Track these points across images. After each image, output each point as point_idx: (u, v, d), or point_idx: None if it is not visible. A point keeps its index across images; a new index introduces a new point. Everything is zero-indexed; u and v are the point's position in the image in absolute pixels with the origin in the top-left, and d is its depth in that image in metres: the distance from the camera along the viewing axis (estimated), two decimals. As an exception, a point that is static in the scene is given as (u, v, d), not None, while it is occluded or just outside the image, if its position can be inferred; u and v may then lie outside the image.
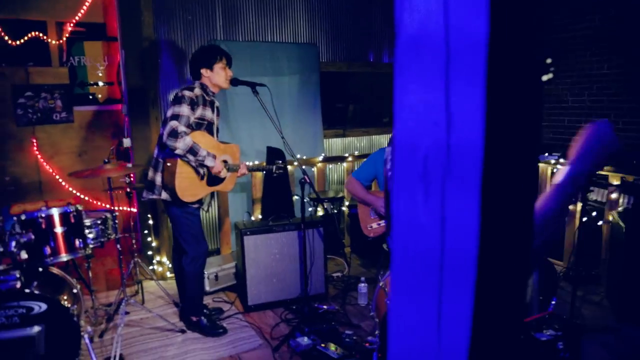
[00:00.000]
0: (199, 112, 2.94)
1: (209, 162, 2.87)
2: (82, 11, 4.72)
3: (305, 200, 3.57)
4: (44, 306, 2.55)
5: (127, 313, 3.42)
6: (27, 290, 2.51)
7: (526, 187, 0.87)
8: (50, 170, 4.75)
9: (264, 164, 4.30)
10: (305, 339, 2.94)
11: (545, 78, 1.15)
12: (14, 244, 2.57)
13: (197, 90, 2.94)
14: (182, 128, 2.77)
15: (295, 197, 4.60)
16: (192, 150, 2.79)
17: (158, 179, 2.94)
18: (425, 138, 0.87)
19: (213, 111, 3.09)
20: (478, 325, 0.90)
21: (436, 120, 0.83)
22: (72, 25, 4.72)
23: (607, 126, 1.19)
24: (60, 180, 4.77)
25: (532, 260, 1.15)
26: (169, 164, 2.86)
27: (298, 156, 4.71)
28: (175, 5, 4.49)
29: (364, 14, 5.40)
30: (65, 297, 2.80)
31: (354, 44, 5.44)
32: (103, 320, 3.28)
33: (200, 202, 3.08)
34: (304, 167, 4.76)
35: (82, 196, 4.86)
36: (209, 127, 3.05)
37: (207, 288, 3.71)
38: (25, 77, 4.60)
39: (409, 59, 0.82)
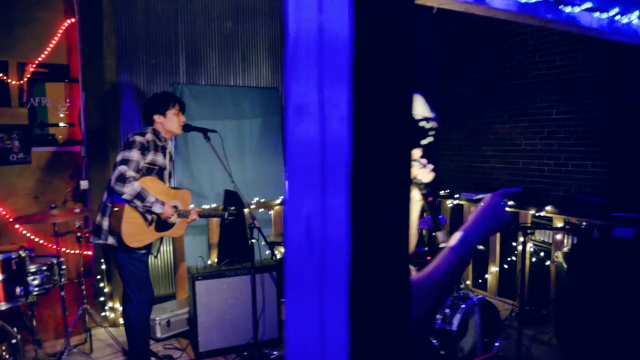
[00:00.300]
0: (150, 157, 2.97)
1: (156, 208, 2.88)
2: (45, 52, 4.76)
3: (262, 244, 3.60)
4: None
5: (72, 361, 3.33)
6: None
7: (396, 188, 0.92)
8: (4, 213, 4.66)
9: (221, 207, 4.33)
10: (253, 386, 2.91)
11: (424, 142, 1.23)
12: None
13: (149, 136, 2.99)
14: (130, 173, 2.79)
15: (253, 241, 4.60)
16: (140, 196, 2.80)
17: (105, 224, 2.94)
18: (306, 138, 0.91)
19: (165, 156, 3.13)
20: (356, 328, 0.93)
21: (313, 121, 0.87)
22: (34, 66, 4.74)
23: (501, 199, 1.28)
24: (15, 223, 4.68)
25: (413, 328, 1.18)
26: (116, 209, 2.86)
27: (256, 199, 4.75)
28: (138, 50, 4.58)
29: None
30: (3, 348, 2.73)
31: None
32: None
33: (148, 247, 3.07)
34: (261, 209, 4.81)
35: (36, 239, 4.77)
36: (159, 173, 3.08)
37: (159, 334, 3.65)
38: (-18, 117, 4.57)
39: (291, 62, 0.87)
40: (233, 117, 5.01)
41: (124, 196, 2.77)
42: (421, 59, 6.15)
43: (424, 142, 1.16)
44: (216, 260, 4.37)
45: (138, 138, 2.91)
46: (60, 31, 4.71)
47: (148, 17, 4.60)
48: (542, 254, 4.11)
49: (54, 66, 4.83)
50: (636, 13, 2.56)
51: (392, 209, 0.94)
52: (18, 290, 2.77)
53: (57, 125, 4.92)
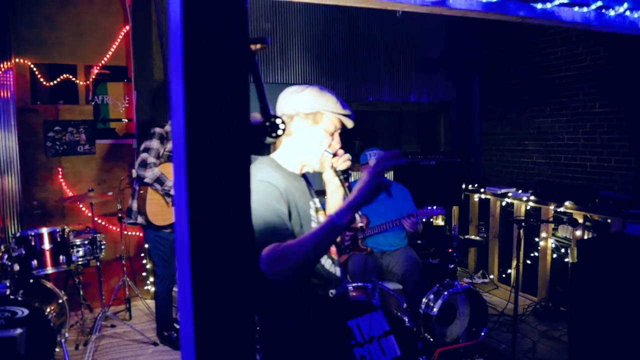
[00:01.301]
0: (170, 146, 3.37)
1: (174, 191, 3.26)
2: (107, 56, 5.37)
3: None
4: (26, 311, 2.99)
5: (113, 326, 3.83)
6: (12, 297, 2.96)
7: (229, 176, 1.14)
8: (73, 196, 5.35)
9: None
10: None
11: (274, 135, 1.44)
12: (6, 257, 3.05)
13: (168, 127, 3.38)
14: (151, 159, 3.20)
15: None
16: (159, 180, 3.20)
17: (134, 205, 3.38)
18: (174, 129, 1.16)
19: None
20: (199, 319, 1.19)
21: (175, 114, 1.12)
22: (98, 68, 5.37)
23: (375, 173, 1.47)
24: (81, 205, 5.35)
25: (281, 281, 1.41)
26: (141, 191, 3.29)
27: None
28: (183, 51, 5.04)
29: (363, 56, 5.74)
30: (52, 307, 3.25)
31: (354, 84, 5.77)
32: (88, 331, 3.71)
33: (173, 226, 3.48)
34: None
35: (99, 221, 5.42)
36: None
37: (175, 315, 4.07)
38: (55, 113, 5.27)
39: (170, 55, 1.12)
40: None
41: (145, 180, 3.18)
42: (462, 53, 6.13)
43: (273, 134, 1.36)
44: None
45: (157, 129, 3.32)
46: (120, 36, 5.28)
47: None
48: (562, 250, 4.05)
49: (114, 68, 5.43)
50: (625, 5, 2.53)
51: (226, 195, 1.18)
52: (62, 258, 3.27)
53: (117, 120, 5.53)
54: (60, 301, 3.34)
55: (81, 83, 5.37)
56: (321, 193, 1.76)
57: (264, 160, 1.71)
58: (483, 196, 4.84)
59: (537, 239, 4.26)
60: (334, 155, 1.71)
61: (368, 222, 3.66)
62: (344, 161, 1.72)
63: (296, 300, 1.64)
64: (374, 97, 5.90)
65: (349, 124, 1.78)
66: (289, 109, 1.70)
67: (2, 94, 5.06)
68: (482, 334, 3.02)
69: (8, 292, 3.00)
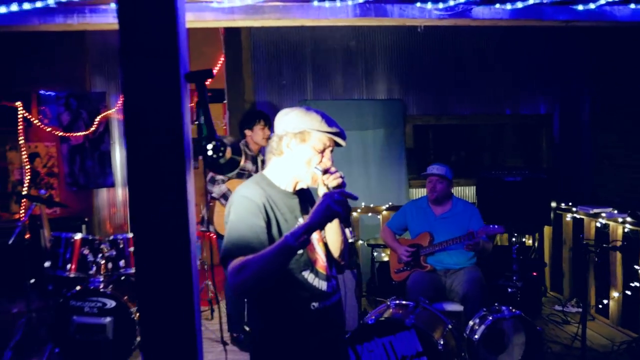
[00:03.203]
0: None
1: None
2: (209, 80, 5.94)
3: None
4: (114, 303, 3.45)
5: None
6: (102, 290, 3.44)
7: (165, 183, 1.29)
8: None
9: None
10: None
11: (209, 147, 1.51)
12: (100, 256, 3.55)
13: (240, 146, 3.66)
14: (219, 177, 3.49)
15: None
16: (225, 196, 3.48)
17: (207, 215, 3.70)
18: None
19: (254, 164, 3.76)
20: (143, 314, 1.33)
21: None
22: (202, 91, 5.97)
23: (331, 199, 1.53)
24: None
25: (239, 289, 1.54)
26: (211, 203, 3.60)
27: (363, 204, 5.10)
28: (272, 73, 5.39)
29: (451, 70, 5.58)
30: (136, 302, 3.68)
31: (442, 98, 5.64)
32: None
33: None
34: (370, 214, 5.13)
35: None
36: (249, 177, 3.73)
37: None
38: (165, 133, 5.97)
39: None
40: (357, 129, 5.44)
41: (213, 194, 3.49)
42: (566, 63, 5.65)
43: (209, 146, 1.46)
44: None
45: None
46: (220, 61, 5.80)
47: (278, 44, 5.37)
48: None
49: (215, 90, 5.97)
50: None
51: (164, 200, 1.32)
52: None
53: (217, 137, 6.07)
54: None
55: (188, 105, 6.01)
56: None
57: (256, 177, 1.83)
58: (577, 216, 4.40)
59: (636, 266, 3.77)
60: (325, 172, 1.77)
61: (431, 240, 3.57)
62: (334, 178, 1.77)
63: (277, 309, 1.72)
64: (465, 110, 5.70)
65: (341, 141, 1.82)
66: (279, 130, 1.81)
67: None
68: None
69: (101, 286, 3.49)
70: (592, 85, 5.70)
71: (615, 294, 3.97)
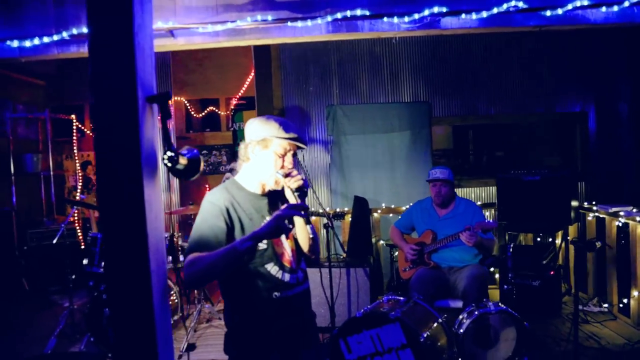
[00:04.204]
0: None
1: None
2: (243, 89, 6.29)
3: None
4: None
5: (220, 319, 4.52)
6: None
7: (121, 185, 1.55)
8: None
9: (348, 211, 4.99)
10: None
11: (165, 157, 1.73)
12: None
13: None
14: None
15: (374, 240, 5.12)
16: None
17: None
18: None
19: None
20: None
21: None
22: (236, 99, 6.32)
23: (281, 215, 1.77)
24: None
25: (189, 282, 1.78)
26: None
27: (384, 205, 5.23)
28: (299, 80, 5.64)
29: (479, 72, 5.58)
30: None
31: (469, 99, 5.65)
32: (203, 321, 4.46)
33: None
34: (391, 215, 5.25)
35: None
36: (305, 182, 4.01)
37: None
38: (202, 139, 6.37)
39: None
40: (383, 131, 5.58)
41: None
42: (600, 61, 5.49)
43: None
44: (344, 254, 5.05)
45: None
46: (253, 72, 6.13)
47: (306, 53, 5.61)
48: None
49: (248, 98, 6.32)
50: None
51: (122, 203, 1.57)
52: (169, 258, 4.04)
53: (251, 143, 6.42)
54: (172, 292, 4.12)
55: (222, 113, 6.39)
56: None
57: (227, 183, 2.07)
58: (600, 215, 4.32)
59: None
60: (287, 175, 1.98)
61: (434, 237, 3.68)
62: (295, 181, 1.98)
63: (242, 298, 1.95)
64: (492, 109, 5.68)
65: (301, 145, 2.03)
66: (246, 138, 2.04)
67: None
68: None
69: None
70: (630, 81, 5.51)
71: (635, 293, 3.88)
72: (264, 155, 2.00)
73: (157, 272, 1.66)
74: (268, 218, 2.00)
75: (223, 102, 6.39)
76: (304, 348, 2.04)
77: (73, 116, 6.02)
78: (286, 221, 1.81)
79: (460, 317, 2.97)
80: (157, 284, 1.65)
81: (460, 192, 5.75)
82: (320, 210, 4.93)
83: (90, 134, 6.13)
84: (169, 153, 1.66)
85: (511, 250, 3.14)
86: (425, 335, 2.67)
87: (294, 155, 2.07)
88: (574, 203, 4.42)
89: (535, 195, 4.41)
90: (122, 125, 1.58)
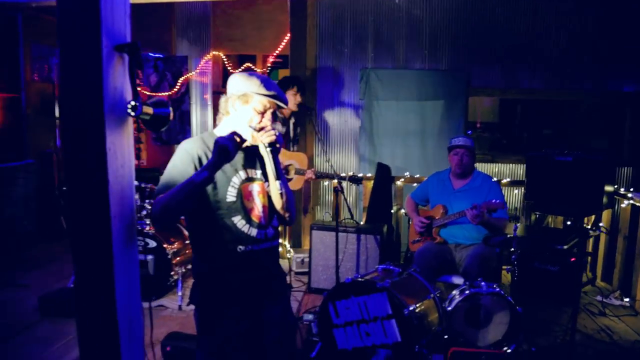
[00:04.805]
0: (278, 127, 3.90)
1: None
2: (280, 47, 6.21)
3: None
4: (154, 244, 3.97)
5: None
6: (145, 231, 3.96)
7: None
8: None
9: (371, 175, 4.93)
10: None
11: (129, 106, 1.72)
12: (147, 201, 4.07)
13: (285, 112, 3.92)
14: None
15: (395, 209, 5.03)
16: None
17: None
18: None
19: (284, 125, 3.99)
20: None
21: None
22: (273, 57, 6.26)
23: (224, 143, 1.74)
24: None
25: (158, 218, 1.84)
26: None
27: (407, 174, 5.10)
28: (335, 40, 5.51)
29: (520, 38, 5.24)
30: (173, 246, 4.14)
31: (510, 71, 5.33)
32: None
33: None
34: (415, 184, 5.12)
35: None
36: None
37: (294, 268, 4.61)
38: (237, 96, 6.41)
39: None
40: (416, 99, 5.40)
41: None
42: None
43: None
44: (363, 221, 5.01)
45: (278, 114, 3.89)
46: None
47: (343, 12, 5.45)
48: None
49: (284, 57, 6.24)
50: None
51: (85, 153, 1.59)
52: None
53: (284, 102, 6.38)
54: (187, 242, 4.25)
55: (259, 70, 6.36)
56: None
57: (204, 134, 2.07)
58: (636, 203, 4.04)
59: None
60: (260, 130, 1.96)
61: (444, 212, 3.57)
62: (268, 136, 1.96)
63: (208, 249, 1.98)
64: (536, 84, 5.34)
65: (281, 103, 2.00)
66: (227, 92, 2.03)
67: (202, 80, 6.40)
68: (507, 349, 2.69)
69: (146, 228, 4.02)
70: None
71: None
72: (243, 110, 1.99)
73: (120, 217, 1.70)
74: (241, 173, 2.00)
75: (260, 59, 6.36)
76: (269, 303, 2.06)
77: (115, 65, 6.19)
78: (231, 142, 1.82)
79: (453, 293, 2.89)
80: (119, 228, 1.69)
81: (492, 167, 5.53)
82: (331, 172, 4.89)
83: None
84: (132, 102, 1.67)
85: (516, 230, 2.99)
86: (411, 308, 2.63)
87: (273, 113, 2.04)
88: (608, 188, 4.13)
89: (566, 177, 4.15)
90: (84, 72, 1.59)
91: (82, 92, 1.61)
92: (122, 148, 1.72)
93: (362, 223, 5.02)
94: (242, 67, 6.36)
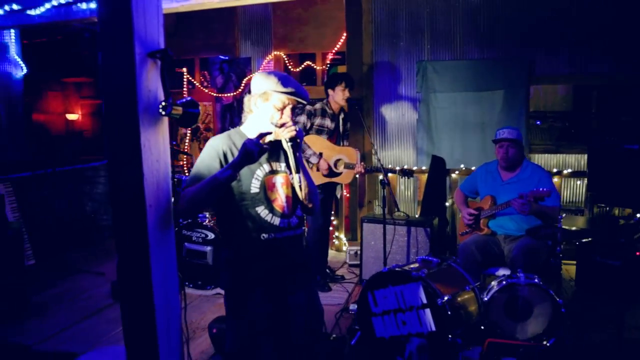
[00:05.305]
0: (318, 121, 4.02)
1: (312, 159, 3.93)
2: (339, 44, 6.32)
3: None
4: (212, 235, 4.24)
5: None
6: (204, 224, 4.24)
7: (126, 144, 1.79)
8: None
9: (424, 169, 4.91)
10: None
11: (160, 106, 1.89)
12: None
13: (318, 105, 4.03)
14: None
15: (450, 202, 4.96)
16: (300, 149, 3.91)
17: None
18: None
19: (333, 121, 4.09)
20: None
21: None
22: (332, 54, 6.39)
23: (251, 144, 1.86)
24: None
25: (181, 212, 1.99)
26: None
27: (462, 166, 5.01)
28: (390, 35, 5.53)
29: (585, 19, 4.95)
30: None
31: (576, 52, 5.07)
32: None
33: (320, 187, 4.14)
34: (464, 177, 5.01)
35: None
36: (329, 133, 4.09)
37: (348, 260, 4.72)
38: (298, 94, 6.60)
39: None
40: (475, 90, 5.29)
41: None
42: None
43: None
44: (418, 213, 5.00)
45: (308, 107, 4.01)
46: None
47: (397, 5, 5.46)
48: None
49: (343, 54, 6.34)
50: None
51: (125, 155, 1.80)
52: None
53: (343, 98, 6.48)
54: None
55: (318, 68, 6.52)
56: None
57: (231, 131, 2.23)
58: None
59: None
60: (281, 126, 2.10)
61: (493, 203, 3.50)
62: (289, 131, 2.10)
63: (234, 237, 2.14)
64: (606, 67, 5.03)
65: (300, 99, 2.13)
66: (251, 92, 2.18)
67: (265, 79, 6.66)
68: (547, 342, 2.60)
69: (206, 220, 4.30)
70: None
71: None
72: (264, 107, 2.13)
73: (155, 207, 1.91)
74: (266, 166, 2.15)
75: (319, 57, 6.50)
76: (294, 290, 2.18)
77: (184, 69, 6.62)
78: (257, 147, 1.94)
79: (492, 284, 2.86)
80: (154, 217, 1.90)
81: (556, 158, 5.29)
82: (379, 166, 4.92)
83: (200, 86, 6.71)
84: (163, 103, 1.86)
85: (561, 220, 2.88)
86: (446, 298, 2.64)
87: (293, 109, 2.17)
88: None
89: (631, 166, 3.91)
90: (119, 77, 1.80)
91: (118, 94, 1.82)
92: (157, 144, 1.93)
93: (416, 216, 5.03)
94: (303, 66, 6.55)
